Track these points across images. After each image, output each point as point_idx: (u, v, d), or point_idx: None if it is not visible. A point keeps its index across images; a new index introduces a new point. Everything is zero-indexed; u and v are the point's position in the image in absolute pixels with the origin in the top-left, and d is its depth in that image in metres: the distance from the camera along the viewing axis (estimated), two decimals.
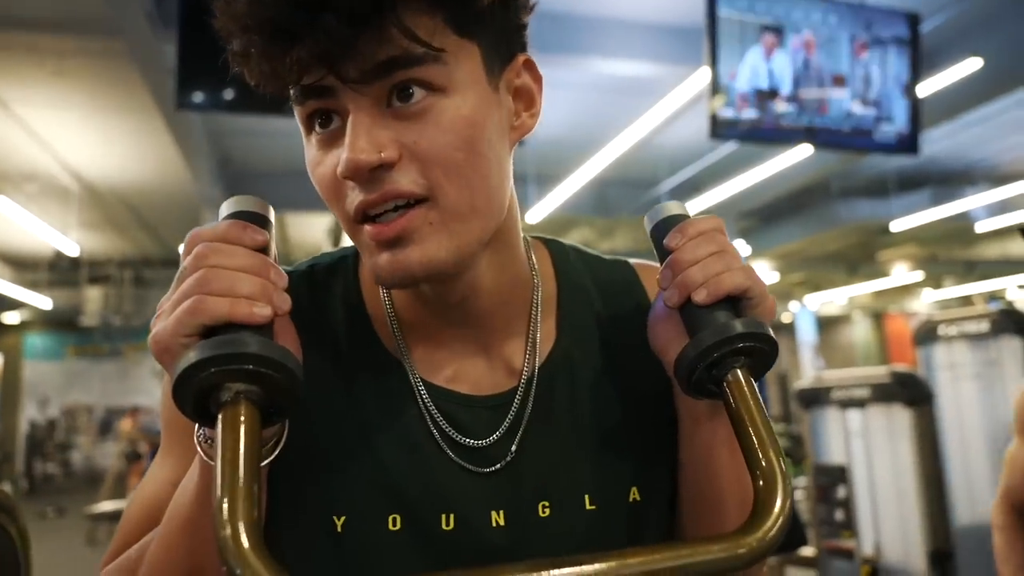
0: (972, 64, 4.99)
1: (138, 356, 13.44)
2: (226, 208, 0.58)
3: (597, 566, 0.44)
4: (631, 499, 0.68)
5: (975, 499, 3.23)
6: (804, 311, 14.39)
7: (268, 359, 0.47)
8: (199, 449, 0.54)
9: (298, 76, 0.54)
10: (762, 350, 0.56)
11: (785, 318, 15.05)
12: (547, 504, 0.65)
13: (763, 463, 0.52)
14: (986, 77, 5.13)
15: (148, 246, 10.98)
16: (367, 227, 0.57)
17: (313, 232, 9.90)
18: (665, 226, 0.63)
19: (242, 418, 0.47)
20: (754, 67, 3.83)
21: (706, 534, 0.64)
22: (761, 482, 0.51)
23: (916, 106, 4.21)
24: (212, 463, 0.52)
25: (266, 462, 0.54)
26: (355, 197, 0.56)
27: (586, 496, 0.66)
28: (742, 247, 10.06)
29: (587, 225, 9.83)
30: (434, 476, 0.64)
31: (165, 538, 0.58)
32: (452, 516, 0.63)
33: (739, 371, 0.56)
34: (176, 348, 0.49)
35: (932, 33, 4.89)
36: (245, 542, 0.42)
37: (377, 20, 0.52)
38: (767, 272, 12.29)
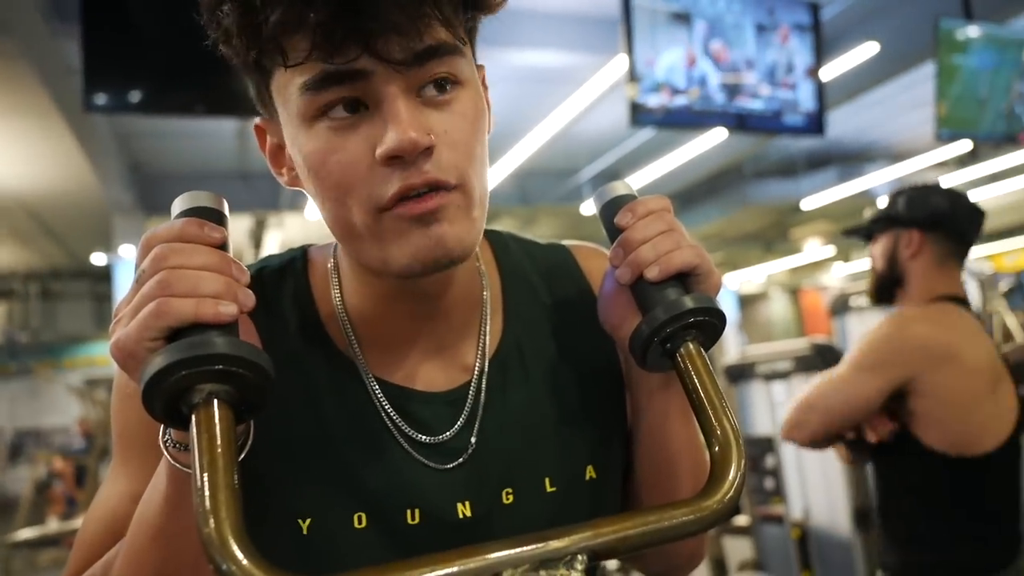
0: (870, 48, 5.26)
1: (49, 374, 12.78)
2: (179, 205, 0.57)
3: (573, 538, 0.47)
4: (588, 477, 0.70)
5: None
6: (725, 290, 14.86)
7: (239, 358, 0.47)
8: (167, 454, 0.53)
9: (330, 54, 0.53)
10: (712, 323, 0.60)
11: None
12: (510, 491, 0.67)
13: (718, 431, 0.55)
14: (882, 60, 5.41)
15: (56, 257, 10.43)
16: (398, 209, 0.57)
17: (234, 235, 9.57)
18: (614, 206, 0.66)
19: (216, 418, 0.47)
20: (670, 57, 3.94)
21: (661, 502, 0.68)
22: (717, 448, 0.54)
23: (821, 89, 4.41)
24: (182, 468, 0.52)
25: (240, 458, 0.54)
26: (392, 182, 0.56)
27: (546, 479, 0.68)
28: None
29: (509, 215, 9.89)
30: (397, 473, 0.65)
31: (133, 551, 0.57)
32: (417, 511, 0.64)
33: (691, 344, 0.59)
34: (141, 353, 0.48)
35: (832, 19, 5.12)
36: (231, 538, 0.43)
37: (419, 8, 0.54)
38: None
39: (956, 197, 1.88)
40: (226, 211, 0.58)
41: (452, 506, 0.65)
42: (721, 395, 0.57)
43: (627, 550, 0.48)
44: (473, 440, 0.67)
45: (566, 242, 0.82)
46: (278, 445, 0.63)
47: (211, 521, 0.43)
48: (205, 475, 0.44)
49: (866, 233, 1.95)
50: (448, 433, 0.67)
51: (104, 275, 9.85)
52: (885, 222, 1.90)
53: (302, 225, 8.90)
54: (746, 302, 16.80)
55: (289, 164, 0.65)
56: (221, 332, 0.49)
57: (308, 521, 0.62)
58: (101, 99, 3.29)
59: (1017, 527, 1.76)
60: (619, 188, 0.68)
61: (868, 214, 1.97)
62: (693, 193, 10.07)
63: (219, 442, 0.46)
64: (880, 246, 1.91)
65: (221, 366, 0.47)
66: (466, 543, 0.64)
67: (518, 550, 0.46)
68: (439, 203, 0.57)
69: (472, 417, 0.68)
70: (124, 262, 7.79)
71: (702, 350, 0.59)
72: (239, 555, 0.42)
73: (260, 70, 0.60)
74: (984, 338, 1.78)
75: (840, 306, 3.79)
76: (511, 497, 0.67)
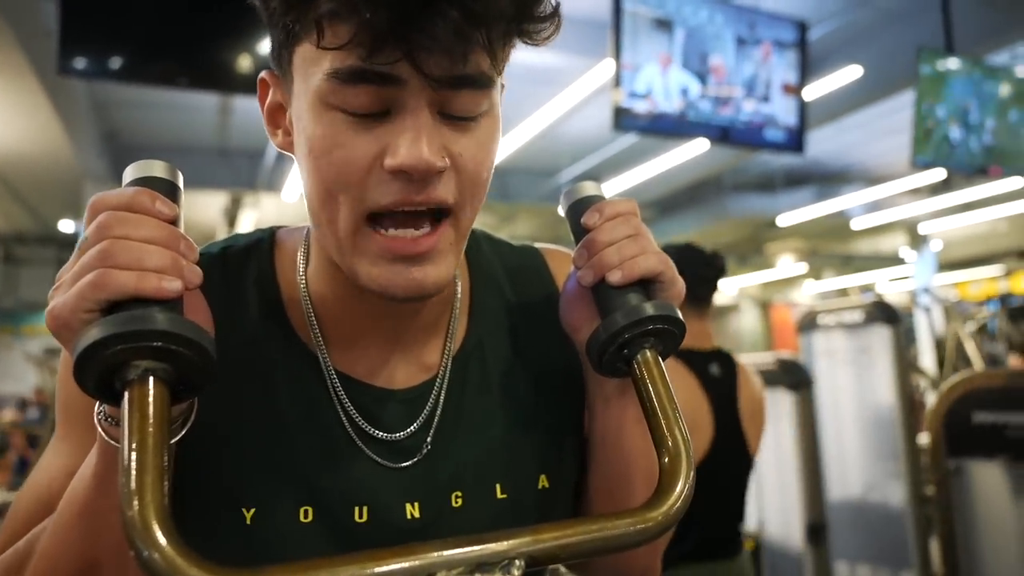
0: (853, 72, 5.32)
1: (7, 340, 12.50)
2: (132, 173, 0.54)
3: (511, 542, 0.46)
4: (540, 486, 0.69)
5: (846, 475, 3.48)
6: None
7: (178, 335, 0.45)
8: (100, 429, 0.51)
9: (370, 52, 0.51)
10: (671, 332, 0.59)
11: None
12: (460, 494, 0.65)
13: (669, 441, 0.54)
14: (865, 84, 5.48)
15: (22, 221, 10.18)
16: (385, 239, 0.55)
17: (209, 212, 9.48)
18: (582, 206, 0.64)
19: (150, 397, 0.45)
20: (653, 66, 3.95)
21: (614, 511, 0.67)
22: (666, 459, 0.54)
23: (803, 107, 4.45)
24: (114, 443, 0.50)
25: (174, 440, 0.52)
26: (390, 194, 0.54)
27: (497, 485, 0.67)
28: None
29: (488, 211, 9.87)
30: (347, 468, 0.63)
31: (59, 528, 0.55)
32: (365, 508, 0.62)
33: (648, 351, 0.58)
34: (76, 324, 0.46)
35: (820, 40, 5.18)
36: (154, 523, 0.41)
37: (471, 34, 0.51)
38: None
39: (684, 251, 2.03)
40: (180, 184, 0.56)
41: (401, 506, 0.64)
42: (675, 405, 0.56)
43: (568, 557, 0.47)
44: (429, 440, 0.66)
45: (538, 245, 0.81)
46: (227, 430, 0.62)
47: (135, 503, 0.41)
48: (133, 455, 0.43)
49: None
50: (404, 432, 0.65)
51: (71, 242, 9.63)
52: None
53: (278, 206, 8.81)
54: (717, 313, 16.92)
55: (286, 128, 0.62)
56: (163, 308, 0.47)
57: (252, 511, 0.60)
58: (79, 63, 3.22)
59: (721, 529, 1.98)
60: (588, 188, 0.67)
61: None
62: (672, 202, 10.13)
63: (151, 421, 0.44)
64: None
65: (159, 343, 0.45)
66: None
67: (454, 551, 0.44)
68: (432, 246, 0.56)
69: (431, 417, 0.67)
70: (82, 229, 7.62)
71: (659, 358, 0.58)
72: (161, 540, 0.41)
73: (289, 33, 0.56)
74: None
75: (808, 323, 3.84)
76: (460, 501, 0.65)
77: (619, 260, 0.60)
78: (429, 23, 0.50)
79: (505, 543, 0.45)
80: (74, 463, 0.60)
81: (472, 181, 0.57)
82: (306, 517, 0.61)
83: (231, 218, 9.24)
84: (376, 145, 0.54)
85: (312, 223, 0.62)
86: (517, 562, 0.45)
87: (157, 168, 0.54)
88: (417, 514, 0.64)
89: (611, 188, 8.13)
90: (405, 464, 0.65)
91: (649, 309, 0.57)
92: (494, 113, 0.59)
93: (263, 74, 0.64)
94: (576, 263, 0.63)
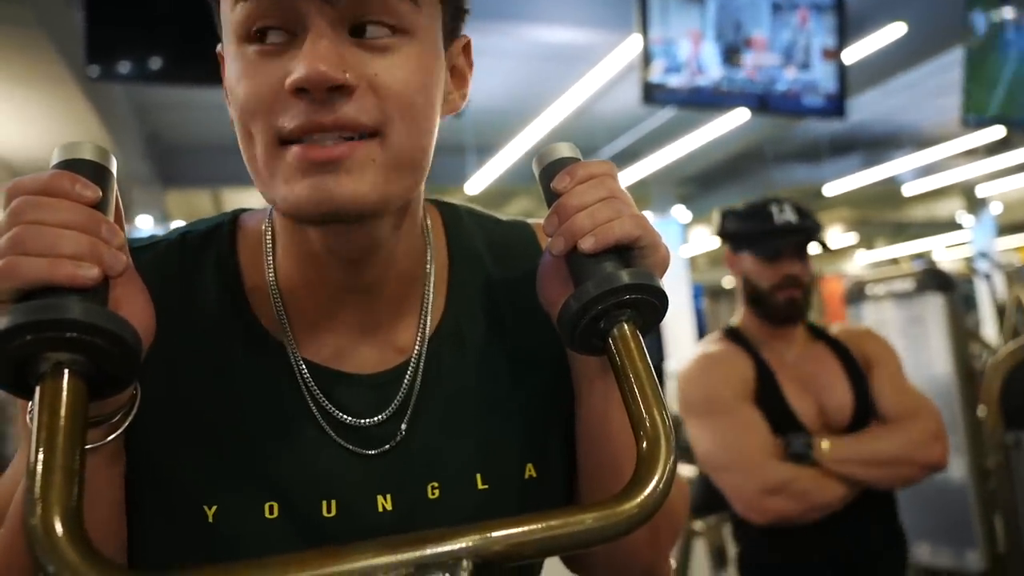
0: (897, 29, 5.08)
1: None
2: (56, 155, 0.51)
3: (456, 541, 0.41)
4: (527, 476, 0.65)
5: None
6: None
7: (92, 325, 0.42)
8: (28, 427, 0.48)
9: None
10: (650, 303, 0.54)
11: (726, 283, 15.33)
12: (436, 485, 0.62)
13: (647, 423, 0.49)
14: (910, 43, 5.23)
15: None
16: (295, 147, 0.52)
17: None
18: (554, 169, 0.59)
19: (64, 392, 0.42)
20: (685, 39, 3.83)
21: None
22: (644, 443, 0.48)
23: (843, 71, 4.27)
24: None
25: (111, 437, 0.50)
26: (296, 116, 0.51)
27: (477, 475, 0.63)
28: (682, 213, 10.17)
29: (526, 195, 9.79)
30: (315, 460, 0.60)
31: (7, 533, 0.53)
32: (334, 502, 0.59)
33: (625, 325, 0.53)
34: None
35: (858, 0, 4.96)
36: (59, 531, 0.37)
37: None
38: (708, 237, 12.47)
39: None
40: (112, 167, 0.53)
41: (372, 498, 0.60)
42: (656, 383, 0.51)
43: (524, 557, 0.42)
44: (403, 427, 0.62)
45: (532, 220, 0.76)
46: (184, 425, 0.59)
47: (38, 509, 0.38)
48: (40, 455, 0.39)
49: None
50: (376, 419, 0.62)
51: None
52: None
53: None
54: None
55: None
56: (80, 297, 0.43)
57: (214, 508, 0.58)
58: (110, 68, 3.25)
59: None
60: (562, 150, 0.61)
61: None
62: (714, 175, 9.90)
63: (62, 417, 0.41)
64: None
65: (72, 333, 0.42)
66: None
67: (392, 553, 0.40)
68: (345, 153, 0.52)
69: (405, 403, 0.63)
70: (140, 233, 7.83)
71: (638, 332, 0.53)
72: (66, 551, 0.37)
73: None
74: None
75: (856, 294, 3.69)
76: (437, 492, 0.62)
77: (592, 225, 0.55)
78: None
79: (448, 542, 0.41)
80: None
81: (398, 104, 0.53)
82: (271, 513, 0.58)
83: None
84: (281, 70, 0.52)
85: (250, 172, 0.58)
86: (464, 562, 0.40)
87: (84, 150, 0.51)
88: (389, 507, 0.60)
89: (650, 164, 7.97)
90: (376, 452, 0.61)
91: (624, 277, 0.52)
92: (424, 40, 0.56)
93: (217, 48, 0.62)
94: (546, 231, 0.58)
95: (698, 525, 2.73)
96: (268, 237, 0.65)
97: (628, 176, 8.15)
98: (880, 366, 1.76)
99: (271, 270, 0.63)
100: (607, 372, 0.61)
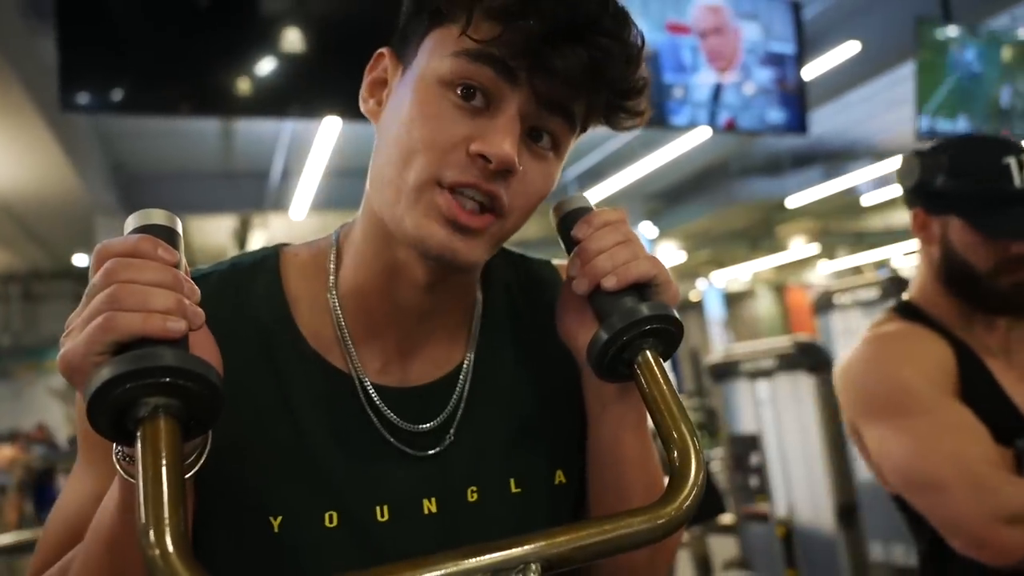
0: (851, 47, 5.29)
1: (31, 376, 12.64)
2: (133, 222, 0.57)
3: (526, 547, 0.46)
4: (556, 482, 0.71)
5: None
6: (711, 288, 14.90)
7: (185, 370, 0.46)
8: (118, 468, 0.53)
9: (507, 47, 0.58)
10: (669, 331, 0.60)
11: (693, 296, 15.56)
12: (475, 489, 0.67)
13: (676, 438, 0.55)
14: (864, 59, 5.44)
15: (38, 258, 10.29)
16: (447, 194, 0.59)
17: (217, 236, 9.56)
18: (572, 218, 0.67)
19: (162, 432, 0.46)
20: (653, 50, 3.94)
21: None
22: (676, 455, 0.54)
23: (802, 88, 4.43)
24: (133, 481, 0.51)
25: (189, 475, 0.53)
26: (465, 173, 0.59)
27: (511, 480, 0.69)
28: (649, 229, 10.33)
29: None
30: (369, 464, 0.65)
31: (87, 557, 0.57)
32: (386, 507, 0.64)
33: (648, 352, 0.59)
34: (87, 367, 0.48)
35: (814, 19, 5.15)
36: (176, 562, 0.42)
37: (594, 83, 0.60)
38: (675, 252, 12.68)
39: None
40: (179, 230, 0.58)
41: (418, 502, 0.66)
42: (680, 403, 0.57)
43: (584, 559, 0.48)
44: (451, 434, 0.68)
45: (555, 261, 0.83)
46: (248, 444, 0.63)
47: (155, 547, 0.42)
48: (148, 490, 0.44)
49: None
50: (427, 425, 0.68)
51: (87, 276, 9.67)
52: None
53: (287, 225, 8.86)
54: (732, 300, 16.87)
55: (380, 99, 0.68)
56: (168, 346, 0.48)
57: (279, 519, 0.62)
58: (82, 98, 3.24)
59: None
60: (577, 201, 0.69)
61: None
62: (679, 191, 10.09)
63: (164, 458, 0.45)
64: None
65: (167, 379, 0.46)
66: (432, 540, 0.64)
67: (470, 560, 0.45)
68: (483, 225, 0.60)
69: (454, 412, 0.69)
70: None
71: (660, 358, 0.59)
72: (181, 571, 0.41)
73: (435, 15, 0.62)
74: None
75: (824, 304, 3.81)
76: (476, 495, 0.67)
77: (612, 266, 0.62)
78: (565, 48, 0.57)
79: (520, 548, 0.46)
80: (100, 487, 0.61)
81: (526, 199, 0.63)
82: (331, 522, 0.63)
83: (241, 240, 9.30)
84: (469, 129, 0.60)
85: (372, 188, 0.66)
86: (533, 566, 0.46)
87: (157, 216, 0.57)
88: (434, 509, 0.66)
89: (616, 183, 8.11)
90: (424, 454, 0.67)
91: (646, 310, 0.59)
92: (559, 163, 0.65)
93: (383, 49, 0.69)
94: (570, 273, 0.65)
95: (683, 536, 2.79)
96: (333, 254, 0.71)
97: (596, 194, 8.28)
98: None
99: (333, 288, 0.69)
100: (621, 398, 0.67)
